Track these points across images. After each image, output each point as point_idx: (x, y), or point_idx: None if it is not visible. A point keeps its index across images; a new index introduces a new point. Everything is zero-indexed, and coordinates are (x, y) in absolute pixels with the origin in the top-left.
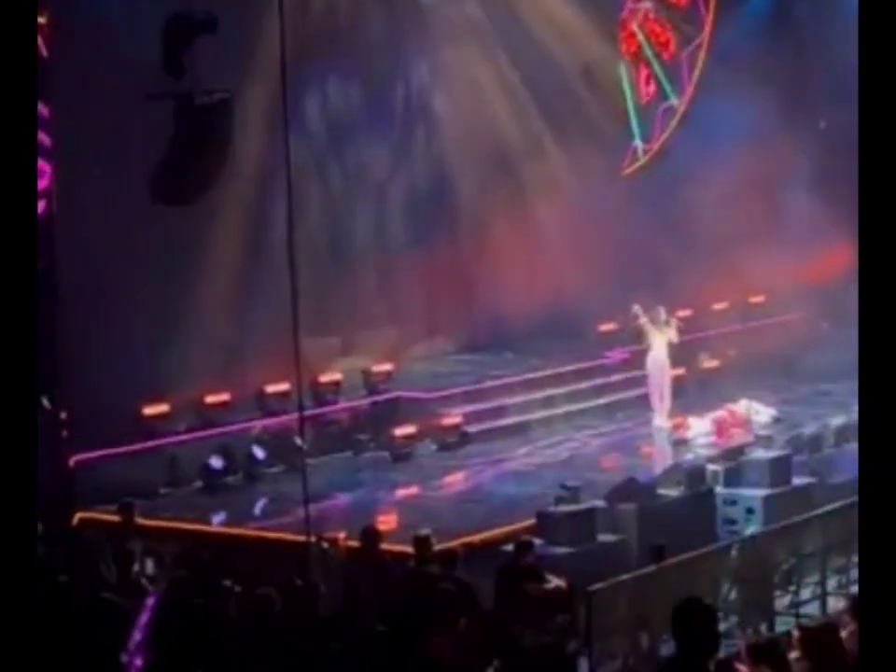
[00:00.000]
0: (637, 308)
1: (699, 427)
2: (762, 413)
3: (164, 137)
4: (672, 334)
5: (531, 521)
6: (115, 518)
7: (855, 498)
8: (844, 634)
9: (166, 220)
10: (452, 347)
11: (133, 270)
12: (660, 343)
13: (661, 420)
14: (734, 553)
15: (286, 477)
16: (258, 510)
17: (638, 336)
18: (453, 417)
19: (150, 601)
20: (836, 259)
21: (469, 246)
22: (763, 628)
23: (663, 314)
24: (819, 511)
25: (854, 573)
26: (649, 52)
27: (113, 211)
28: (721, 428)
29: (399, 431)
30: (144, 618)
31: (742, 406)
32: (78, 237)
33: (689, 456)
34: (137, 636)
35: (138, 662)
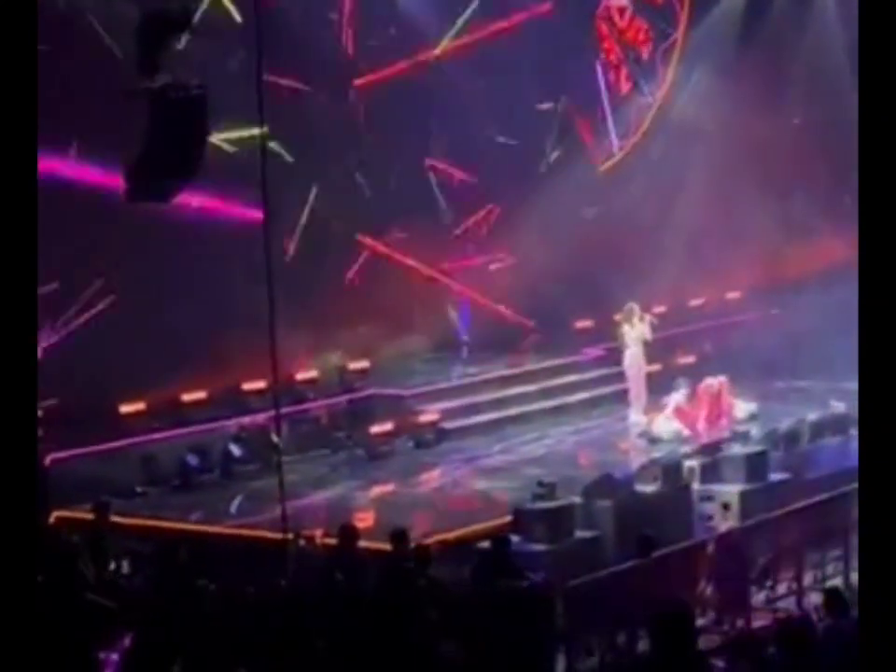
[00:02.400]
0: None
1: (665, 426)
2: (741, 409)
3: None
4: (647, 331)
5: (508, 517)
6: (91, 517)
7: (830, 494)
8: (820, 629)
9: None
10: (428, 344)
11: (108, 267)
12: (635, 339)
13: (637, 416)
14: (710, 548)
15: (262, 475)
16: (234, 507)
17: (614, 333)
18: (429, 414)
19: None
20: (814, 255)
21: (444, 243)
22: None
23: (637, 310)
24: (796, 506)
25: (830, 568)
26: (625, 49)
27: (86, 206)
28: (686, 415)
29: (376, 429)
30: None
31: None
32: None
33: (665, 451)
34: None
35: (114, 658)
